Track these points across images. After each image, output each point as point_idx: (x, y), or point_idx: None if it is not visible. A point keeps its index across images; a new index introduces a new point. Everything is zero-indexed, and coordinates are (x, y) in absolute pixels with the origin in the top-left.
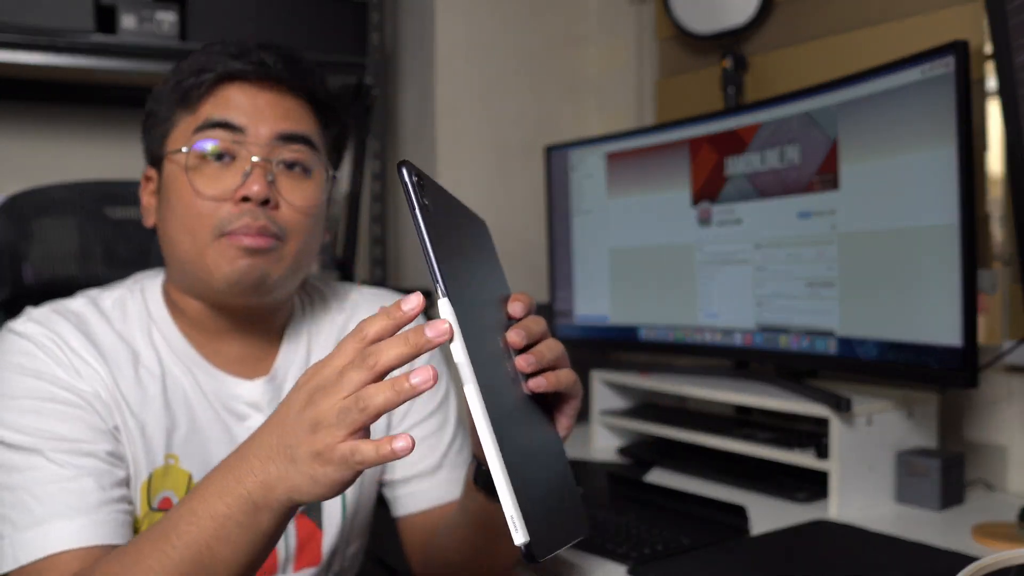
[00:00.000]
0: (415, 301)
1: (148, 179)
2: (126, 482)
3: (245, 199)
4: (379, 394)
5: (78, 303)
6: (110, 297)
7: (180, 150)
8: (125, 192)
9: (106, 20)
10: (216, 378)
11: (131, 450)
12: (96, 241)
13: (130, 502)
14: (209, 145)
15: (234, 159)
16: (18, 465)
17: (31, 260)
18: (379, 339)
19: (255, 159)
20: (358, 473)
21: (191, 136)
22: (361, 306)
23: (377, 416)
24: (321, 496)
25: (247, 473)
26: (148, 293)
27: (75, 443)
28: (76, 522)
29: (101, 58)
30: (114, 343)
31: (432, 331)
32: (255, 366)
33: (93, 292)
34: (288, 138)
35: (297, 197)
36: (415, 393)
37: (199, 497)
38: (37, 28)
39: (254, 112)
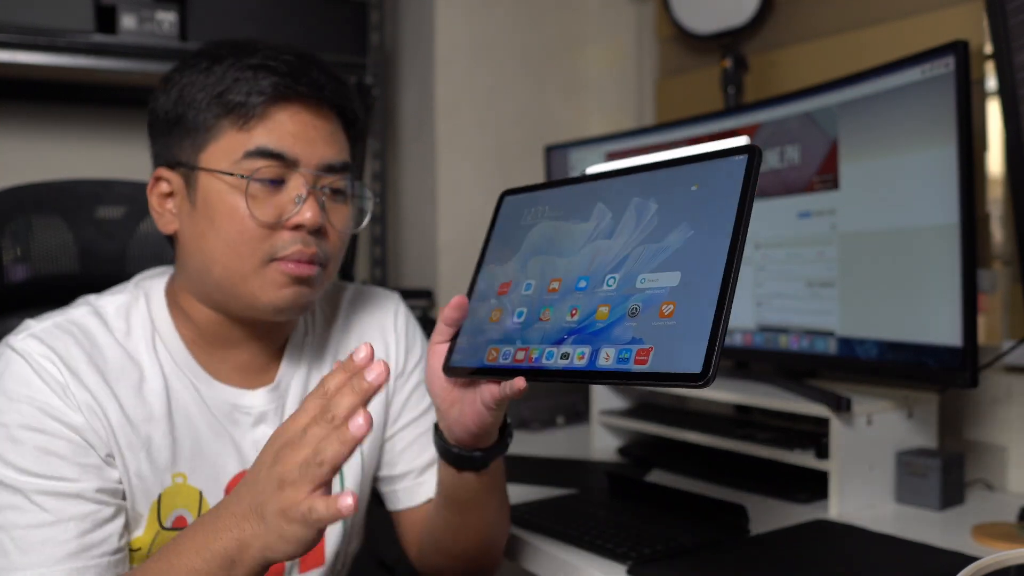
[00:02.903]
0: (364, 352)
1: (159, 180)
2: (118, 514)
3: (298, 226)
4: (329, 446)
5: (80, 312)
6: (113, 304)
7: (233, 174)
8: (107, 192)
9: (106, 20)
10: (218, 390)
11: (136, 468)
12: (76, 240)
13: (121, 537)
14: (269, 172)
15: (284, 183)
16: None
17: (11, 260)
18: (340, 392)
19: (308, 187)
20: (321, 531)
21: (241, 159)
22: (354, 306)
23: (336, 468)
24: (292, 554)
25: (223, 530)
26: (152, 300)
27: (59, 483)
28: (54, 573)
29: (101, 58)
30: (120, 360)
31: (371, 373)
32: (259, 376)
33: (93, 298)
34: (333, 168)
35: (341, 223)
36: (365, 426)
37: (176, 551)
38: (37, 28)
39: (306, 140)
